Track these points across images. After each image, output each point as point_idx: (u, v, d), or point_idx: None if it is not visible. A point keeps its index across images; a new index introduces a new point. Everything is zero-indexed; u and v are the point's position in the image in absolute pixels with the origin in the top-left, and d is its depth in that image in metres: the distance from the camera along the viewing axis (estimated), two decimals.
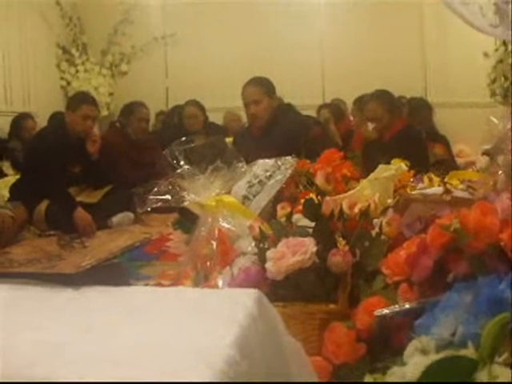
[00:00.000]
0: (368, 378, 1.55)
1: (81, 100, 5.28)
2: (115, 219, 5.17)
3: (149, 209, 2.84)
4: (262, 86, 4.56)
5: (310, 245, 1.98)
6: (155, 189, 2.80)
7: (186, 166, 2.76)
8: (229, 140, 5.15)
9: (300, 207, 2.55)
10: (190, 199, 2.77)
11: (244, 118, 6.72)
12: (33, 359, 1.07)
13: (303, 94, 7.91)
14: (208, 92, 8.55)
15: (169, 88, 9.53)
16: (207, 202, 2.72)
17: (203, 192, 2.75)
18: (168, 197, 2.77)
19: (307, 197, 2.63)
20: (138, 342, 1.11)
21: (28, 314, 1.37)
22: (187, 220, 3.74)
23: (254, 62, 8.56)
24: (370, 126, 4.90)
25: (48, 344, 1.13)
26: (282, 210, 2.45)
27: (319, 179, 2.63)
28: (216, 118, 7.89)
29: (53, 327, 1.23)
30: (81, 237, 4.71)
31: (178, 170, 2.79)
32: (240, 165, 2.86)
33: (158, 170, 5.61)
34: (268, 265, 2.01)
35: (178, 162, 2.77)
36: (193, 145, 2.91)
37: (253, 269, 2.11)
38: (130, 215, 5.23)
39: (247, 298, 1.32)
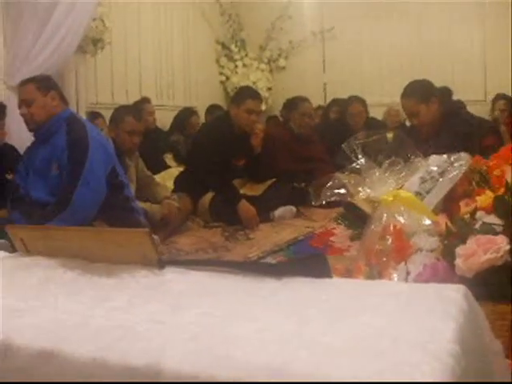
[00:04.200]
0: None
1: (246, 95, 5.36)
2: (277, 212, 5.23)
3: (324, 202, 2.83)
4: (415, 96, 4.35)
5: (502, 243, 1.92)
6: (330, 182, 2.79)
7: (363, 160, 2.73)
8: (389, 136, 5.08)
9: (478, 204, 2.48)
10: (365, 193, 2.75)
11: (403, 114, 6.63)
12: (259, 348, 1.08)
13: (464, 89, 7.68)
14: (366, 87, 8.52)
15: (326, 83, 9.54)
16: (384, 196, 2.68)
17: (379, 187, 2.71)
18: (343, 191, 2.75)
19: (483, 194, 2.56)
20: (360, 333, 1.11)
21: (238, 303, 1.38)
22: (353, 215, 3.72)
23: (413, 57, 8.44)
24: None
25: (271, 334, 1.14)
26: (465, 207, 2.39)
27: (510, 176, 2.54)
28: (374, 112, 7.82)
29: (270, 318, 1.24)
30: (244, 229, 4.82)
31: (354, 164, 2.77)
32: (417, 160, 2.81)
33: (319, 165, 5.65)
34: (458, 261, 1.97)
35: (356, 156, 2.74)
36: (371, 139, 2.89)
37: (440, 265, 2.07)
38: (293, 209, 5.28)
39: (456, 293, 1.30)
